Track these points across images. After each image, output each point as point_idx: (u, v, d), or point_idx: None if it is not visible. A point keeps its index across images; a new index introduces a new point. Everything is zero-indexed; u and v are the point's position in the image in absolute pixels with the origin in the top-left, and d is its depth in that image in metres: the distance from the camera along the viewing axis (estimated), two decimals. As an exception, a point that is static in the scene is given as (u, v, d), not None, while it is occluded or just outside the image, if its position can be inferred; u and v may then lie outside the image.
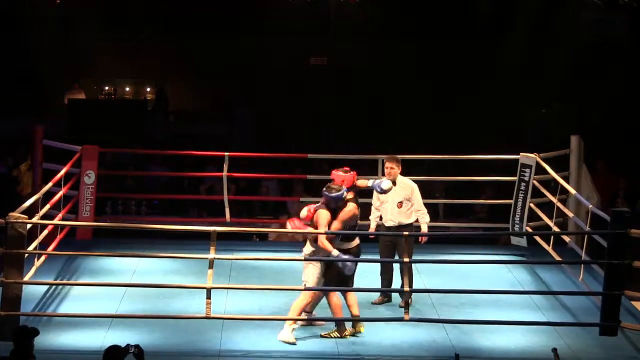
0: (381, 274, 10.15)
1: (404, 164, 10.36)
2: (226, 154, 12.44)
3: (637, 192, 13.80)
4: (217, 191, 13.87)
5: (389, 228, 10.08)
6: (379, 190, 9.56)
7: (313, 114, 19.70)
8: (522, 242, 11.61)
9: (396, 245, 9.98)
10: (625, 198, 13.47)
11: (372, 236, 10.34)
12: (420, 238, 10.05)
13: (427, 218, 10.07)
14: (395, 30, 20.59)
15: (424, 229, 10.04)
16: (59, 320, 9.33)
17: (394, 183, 9.89)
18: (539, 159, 11.72)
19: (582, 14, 20.26)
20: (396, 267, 10.00)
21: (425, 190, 10.61)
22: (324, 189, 9.23)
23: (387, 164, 10.06)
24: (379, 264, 10.24)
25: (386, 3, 20.79)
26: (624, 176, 14.01)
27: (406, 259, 9.19)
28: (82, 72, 20.71)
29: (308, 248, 9.31)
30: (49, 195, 11.04)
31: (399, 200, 10.00)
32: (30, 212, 9.78)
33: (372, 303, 10.00)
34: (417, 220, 10.07)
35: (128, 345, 6.74)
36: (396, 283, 9.96)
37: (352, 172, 9.39)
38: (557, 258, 11.03)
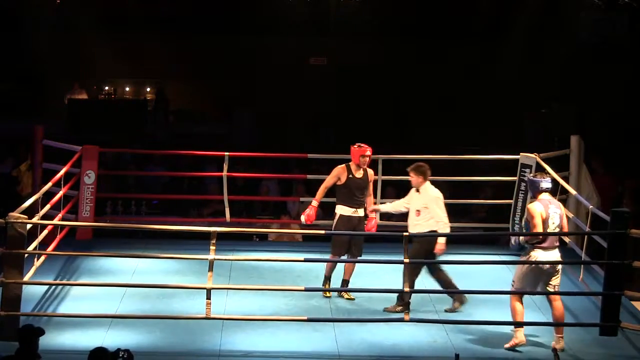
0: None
1: (406, 163, 10.36)
2: (226, 154, 12.43)
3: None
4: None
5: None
6: None
7: (313, 114, 19.70)
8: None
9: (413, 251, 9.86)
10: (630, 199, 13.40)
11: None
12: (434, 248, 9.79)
13: (446, 229, 9.82)
14: (395, 30, 20.61)
15: (440, 241, 9.76)
16: (59, 320, 9.32)
17: (417, 191, 9.96)
18: (539, 159, 11.72)
19: (582, 14, 20.27)
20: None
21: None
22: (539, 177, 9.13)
23: (410, 174, 10.05)
24: (378, 264, 10.27)
25: (386, 3, 20.80)
26: (629, 177, 13.97)
27: (406, 259, 9.19)
28: (82, 72, 20.73)
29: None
30: (49, 195, 11.04)
31: (416, 209, 9.91)
32: (30, 212, 9.78)
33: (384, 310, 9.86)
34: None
35: (118, 349, 6.69)
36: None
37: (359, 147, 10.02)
38: (557, 258, 11.02)
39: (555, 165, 11.87)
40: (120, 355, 6.64)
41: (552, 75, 19.21)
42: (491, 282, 10.53)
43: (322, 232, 10.25)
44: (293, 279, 10.72)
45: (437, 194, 9.96)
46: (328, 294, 10.17)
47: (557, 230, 8.99)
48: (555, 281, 9.05)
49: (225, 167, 12.43)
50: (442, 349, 8.93)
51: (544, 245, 8.94)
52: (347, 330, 9.25)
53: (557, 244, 9.07)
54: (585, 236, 10.52)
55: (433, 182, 10.12)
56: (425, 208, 9.88)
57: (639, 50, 19.32)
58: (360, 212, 10.16)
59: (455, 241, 12.14)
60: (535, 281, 9.00)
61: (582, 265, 10.51)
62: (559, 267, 9.03)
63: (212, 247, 9.07)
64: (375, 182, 10.88)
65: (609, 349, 9.00)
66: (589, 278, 10.59)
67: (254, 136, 19.08)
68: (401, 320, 9.07)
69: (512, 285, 9.07)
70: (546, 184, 9.02)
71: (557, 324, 9.35)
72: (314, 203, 10.24)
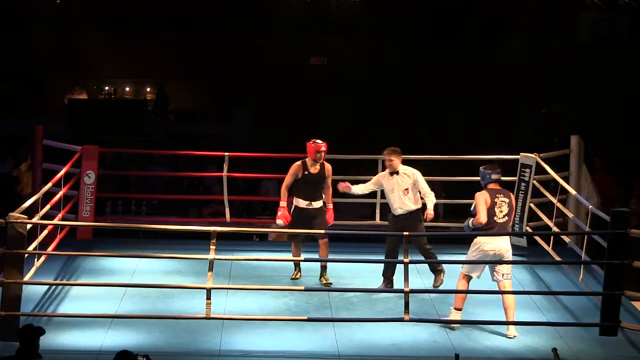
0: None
1: (405, 163, 10.44)
2: (226, 154, 12.44)
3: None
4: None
5: (399, 216, 10.39)
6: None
7: (313, 114, 19.70)
8: (522, 242, 11.61)
9: (403, 230, 10.02)
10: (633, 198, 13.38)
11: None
12: (425, 215, 10.36)
13: (433, 198, 10.41)
14: (395, 30, 20.60)
15: (430, 207, 10.35)
16: (59, 320, 9.32)
17: (397, 173, 10.38)
18: (539, 159, 11.72)
19: (582, 14, 20.29)
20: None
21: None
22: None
23: (386, 157, 10.50)
24: (378, 264, 10.28)
25: (386, 3, 20.80)
26: (636, 177, 13.95)
27: (406, 259, 9.19)
28: (82, 72, 20.73)
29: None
30: (49, 195, 11.04)
31: (404, 188, 10.39)
32: (30, 212, 9.77)
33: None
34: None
35: (137, 355, 6.71)
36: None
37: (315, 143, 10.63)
38: (557, 258, 11.03)
39: (555, 165, 11.87)
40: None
41: (552, 75, 19.21)
42: (491, 282, 10.53)
43: (322, 231, 10.26)
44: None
45: (415, 170, 10.52)
46: (297, 276, 10.72)
47: (506, 218, 9.35)
48: (505, 269, 9.35)
49: (225, 167, 12.42)
50: (442, 349, 8.93)
51: (490, 232, 9.31)
52: (347, 330, 9.24)
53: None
54: (585, 236, 10.52)
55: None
56: (413, 184, 10.39)
57: (639, 50, 19.33)
58: (316, 205, 10.65)
59: (456, 241, 12.17)
60: (480, 264, 9.36)
61: (582, 265, 10.51)
62: (507, 255, 9.32)
63: (212, 247, 9.08)
64: None
65: (609, 349, 9.00)
66: (589, 278, 10.59)
67: (254, 136, 19.09)
68: (401, 320, 9.07)
69: (461, 268, 9.48)
70: (494, 175, 9.48)
71: (556, 324, 9.38)
72: (282, 204, 10.66)
